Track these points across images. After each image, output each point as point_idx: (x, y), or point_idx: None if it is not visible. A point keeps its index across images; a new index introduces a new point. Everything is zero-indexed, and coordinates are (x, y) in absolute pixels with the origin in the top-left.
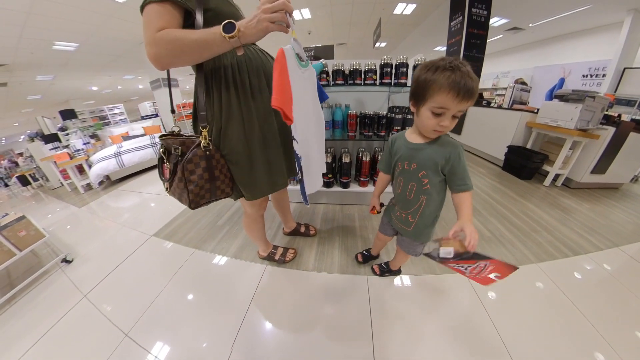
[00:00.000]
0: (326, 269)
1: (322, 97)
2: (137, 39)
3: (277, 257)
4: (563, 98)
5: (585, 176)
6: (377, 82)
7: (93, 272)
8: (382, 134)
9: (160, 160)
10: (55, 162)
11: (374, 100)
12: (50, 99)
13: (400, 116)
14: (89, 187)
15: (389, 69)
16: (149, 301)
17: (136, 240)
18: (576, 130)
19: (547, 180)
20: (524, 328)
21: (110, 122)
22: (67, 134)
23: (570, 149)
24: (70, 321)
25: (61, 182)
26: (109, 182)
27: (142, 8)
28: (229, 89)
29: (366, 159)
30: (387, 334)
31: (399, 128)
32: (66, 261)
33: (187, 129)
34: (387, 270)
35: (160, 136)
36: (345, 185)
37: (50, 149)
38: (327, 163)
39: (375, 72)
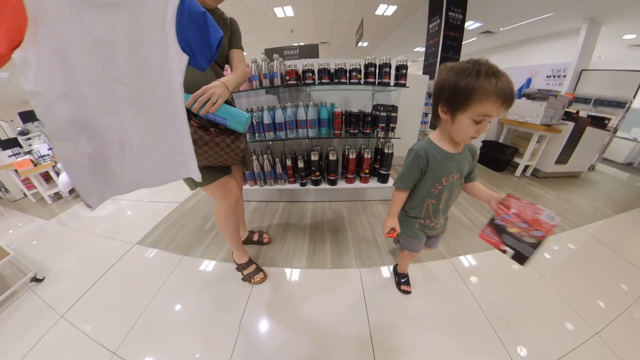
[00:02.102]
0: (319, 265)
1: (208, 38)
2: None
3: (245, 273)
4: (530, 97)
5: (551, 166)
6: (362, 81)
7: (69, 289)
8: (367, 131)
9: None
10: (16, 170)
11: (359, 99)
12: (6, 99)
13: (384, 114)
14: (57, 196)
15: (372, 69)
16: (137, 314)
17: (117, 250)
18: (541, 125)
19: (518, 171)
20: (502, 303)
21: None
22: (29, 139)
23: (537, 142)
24: (47, 345)
25: (24, 193)
26: None
27: None
28: None
29: (352, 156)
30: (382, 321)
31: (383, 125)
32: (36, 280)
33: None
34: (407, 276)
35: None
36: (333, 183)
37: (10, 156)
38: (314, 161)
39: (359, 71)
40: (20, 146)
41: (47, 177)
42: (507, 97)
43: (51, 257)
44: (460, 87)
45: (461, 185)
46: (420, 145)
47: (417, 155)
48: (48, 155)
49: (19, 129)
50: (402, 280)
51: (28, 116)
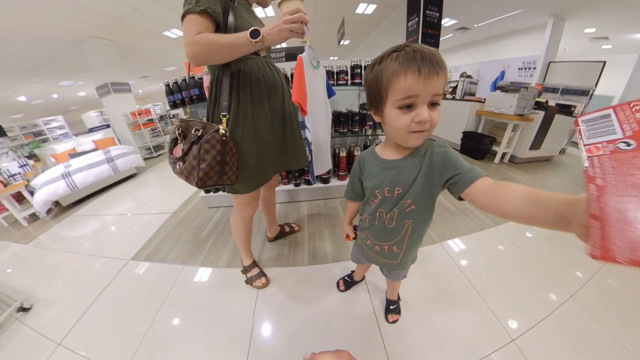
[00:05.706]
0: (321, 261)
1: (330, 93)
2: (74, 36)
3: (248, 275)
4: (503, 89)
5: (525, 152)
6: (349, 82)
7: (62, 315)
8: (356, 130)
9: (174, 141)
10: None
11: (346, 99)
12: None
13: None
14: (34, 217)
15: (358, 70)
16: (142, 331)
17: (110, 268)
18: (515, 115)
19: (497, 159)
20: (490, 278)
21: (48, 138)
22: None
23: (512, 131)
24: None
25: None
26: (60, 208)
27: (184, 16)
28: (246, 91)
29: (343, 154)
30: (384, 301)
31: (371, 123)
32: (23, 309)
33: (147, 138)
34: (353, 283)
35: (180, 119)
36: (326, 181)
37: None
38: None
39: (346, 73)
40: None
41: (19, 198)
42: (419, 63)
43: (36, 283)
44: (370, 80)
45: (406, 205)
46: (362, 153)
47: (354, 165)
48: (19, 173)
49: None
50: (356, 286)
51: None
